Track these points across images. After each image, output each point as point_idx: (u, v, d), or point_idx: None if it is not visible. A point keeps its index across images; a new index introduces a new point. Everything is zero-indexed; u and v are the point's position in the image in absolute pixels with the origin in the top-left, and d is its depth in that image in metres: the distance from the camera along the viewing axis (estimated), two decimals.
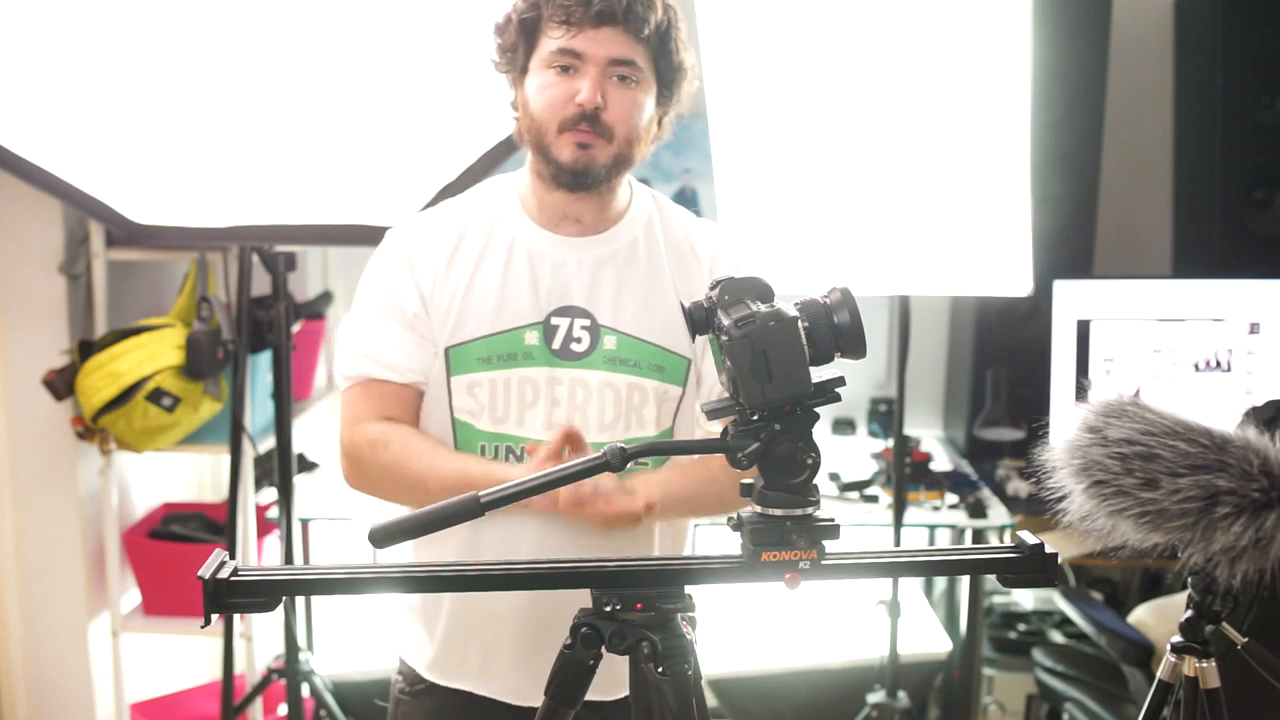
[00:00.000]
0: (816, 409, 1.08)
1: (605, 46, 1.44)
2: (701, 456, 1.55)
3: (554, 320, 1.52)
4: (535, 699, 1.23)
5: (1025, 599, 3.39)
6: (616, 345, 1.53)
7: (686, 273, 1.58)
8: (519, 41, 1.50)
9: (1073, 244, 3.20)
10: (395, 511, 1.56)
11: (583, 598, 1.16)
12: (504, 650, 1.56)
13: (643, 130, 1.51)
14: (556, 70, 1.46)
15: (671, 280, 1.57)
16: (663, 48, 1.49)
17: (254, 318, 2.40)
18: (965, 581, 2.98)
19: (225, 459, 2.56)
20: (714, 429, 1.13)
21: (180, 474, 3.14)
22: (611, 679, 1.23)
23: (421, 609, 1.63)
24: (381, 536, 1.13)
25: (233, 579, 1.08)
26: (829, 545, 1.10)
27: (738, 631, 2.78)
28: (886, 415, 3.44)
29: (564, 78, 1.46)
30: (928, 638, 2.86)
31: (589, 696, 1.22)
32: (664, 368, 1.54)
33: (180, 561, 2.68)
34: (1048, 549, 1.15)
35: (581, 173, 1.48)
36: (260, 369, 2.65)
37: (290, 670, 2.36)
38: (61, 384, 2.52)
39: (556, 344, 1.52)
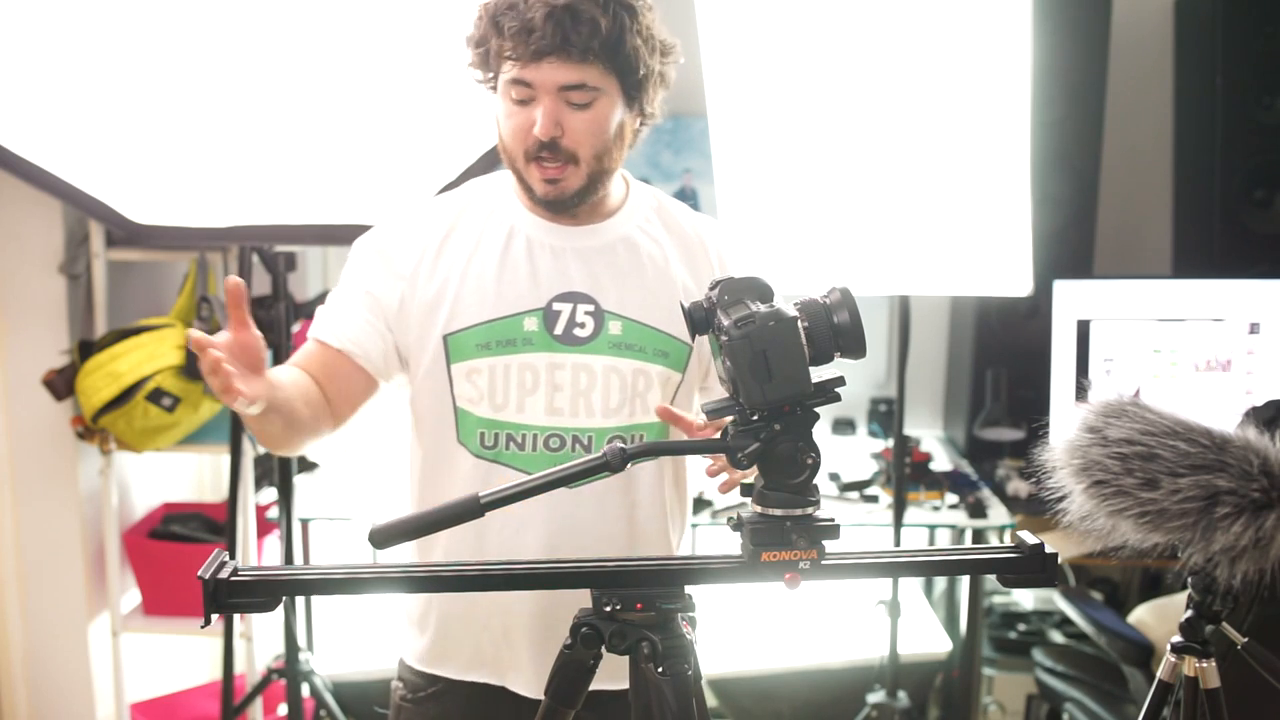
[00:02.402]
0: (816, 409, 1.08)
1: (552, 75, 1.42)
2: None
3: (556, 306, 1.52)
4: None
5: (1025, 599, 3.39)
6: (622, 330, 1.53)
7: (694, 264, 1.59)
8: (483, 64, 1.50)
9: (1073, 244, 3.20)
10: (395, 512, 1.56)
11: (587, 594, 1.16)
12: (515, 642, 1.56)
13: (612, 141, 1.49)
14: (514, 100, 1.46)
15: (677, 269, 1.57)
16: (616, 56, 1.44)
17: (254, 318, 2.39)
18: (965, 581, 2.97)
19: (225, 459, 2.56)
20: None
21: (180, 474, 3.14)
22: (614, 669, 1.22)
23: (418, 610, 1.63)
24: (381, 537, 1.13)
25: (232, 579, 1.08)
26: (829, 545, 1.10)
27: (738, 631, 2.78)
28: (886, 415, 3.44)
29: (522, 108, 1.46)
30: (928, 638, 2.86)
31: (591, 687, 1.22)
32: (668, 353, 1.55)
33: (180, 561, 2.68)
34: (1048, 549, 1.15)
35: (555, 202, 1.50)
36: None
37: (290, 670, 2.36)
38: (61, 384, 2.52)
39: (559, 329, 1.52)
